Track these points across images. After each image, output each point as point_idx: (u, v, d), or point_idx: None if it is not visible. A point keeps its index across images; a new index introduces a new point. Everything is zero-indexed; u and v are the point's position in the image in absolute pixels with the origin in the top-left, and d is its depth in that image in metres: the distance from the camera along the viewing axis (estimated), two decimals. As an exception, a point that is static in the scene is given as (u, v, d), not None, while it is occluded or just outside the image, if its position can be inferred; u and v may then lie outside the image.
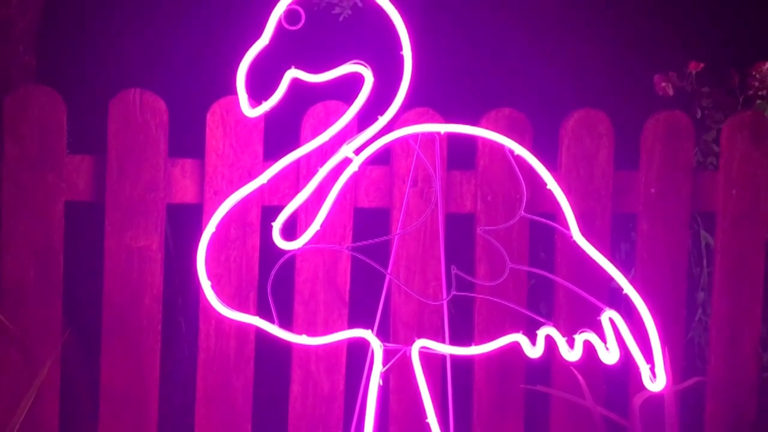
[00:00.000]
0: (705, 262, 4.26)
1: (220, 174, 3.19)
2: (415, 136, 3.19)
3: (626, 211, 3.44)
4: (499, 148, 3.20)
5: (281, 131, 3.23)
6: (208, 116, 3.19)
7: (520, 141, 3.20)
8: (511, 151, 3.17)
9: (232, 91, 3.01)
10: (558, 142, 3.34)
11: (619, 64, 5.18)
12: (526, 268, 3.29)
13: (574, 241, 3.16)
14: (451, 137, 3.25)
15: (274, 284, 3.10)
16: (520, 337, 3.12)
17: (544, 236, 3.38)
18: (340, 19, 4.66)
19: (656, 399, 3.17)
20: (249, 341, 3.24)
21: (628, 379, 3.29)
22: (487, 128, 3.22)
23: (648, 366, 3.07)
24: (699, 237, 4.49)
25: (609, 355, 3.07)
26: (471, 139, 3.25)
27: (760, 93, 4.53)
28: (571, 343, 3.10)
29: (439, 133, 3.19)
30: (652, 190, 3.40)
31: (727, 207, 3.44)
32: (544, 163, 3.19)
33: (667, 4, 5.56)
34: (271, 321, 3.11)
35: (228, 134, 3.19)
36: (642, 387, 3.12)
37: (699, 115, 4.56)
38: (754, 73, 4.56)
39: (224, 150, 3.19)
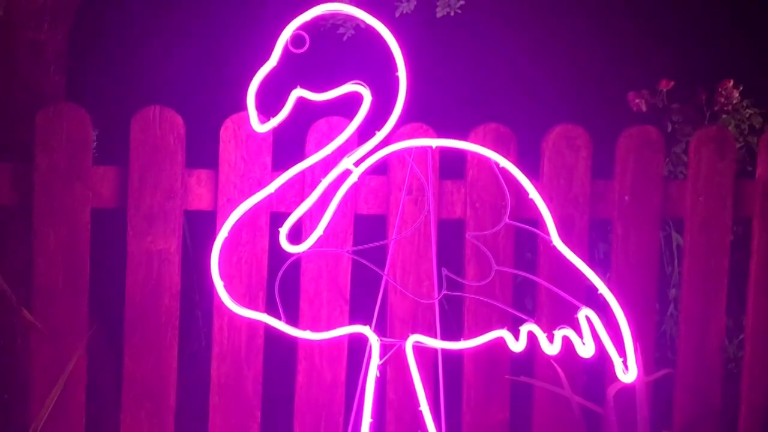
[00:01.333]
0: (676, 261, 4.27)
1: (233, 183, 3.20)
2: (409, 150, 3.20)
3: (602, 216, 3.42)
4: (487, 160, 3.20)
5: (288, 144, 3.22)
6: (222, 131, 3.19)
7: (506, 153, 3.20)
8: (497, 164, 3.17)
9: (244, 107, 3.01)
10: (540, 153, 3.34)
11: (597, 83, 5.16)
12: (511, 271, 3.28)
13: (553, 244, 3.18)
14: (443, 149, 3.23)
15: (281, 284, 3.10)
16: (504, 333, 3.12)
17: (530, 237, 3.38)
18: (344, 38, 4.66)
19: (629, 389, 3.17)
20: (258, 336, 3.24)
21: (605, 371, 3.29)
22: (475, 142, 3.22)
23: (621, 359, 3.07)
24: (671, 239, 4.50)
25: (585, 349, 3.07)
26: (461, 151, 3.25)
27: (725, 109, 4.53)
28: (551, 339, 3.09)
29: (431, 147, 3.20)
30: (626, 198, 3.38)
31: (695, 213, 3.43)
32: (528, 173, 3.19)
33: (640, 27, 5.55)
34: (279, 317, 3.12)
35: (239, 147, 3.19)
36: (616, 378, 3.12)
37: (669, 128, 4.56)
38: (720, 90, 4.56)
39: (236, 162, 3.19)
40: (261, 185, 3.17)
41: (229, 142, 3.19)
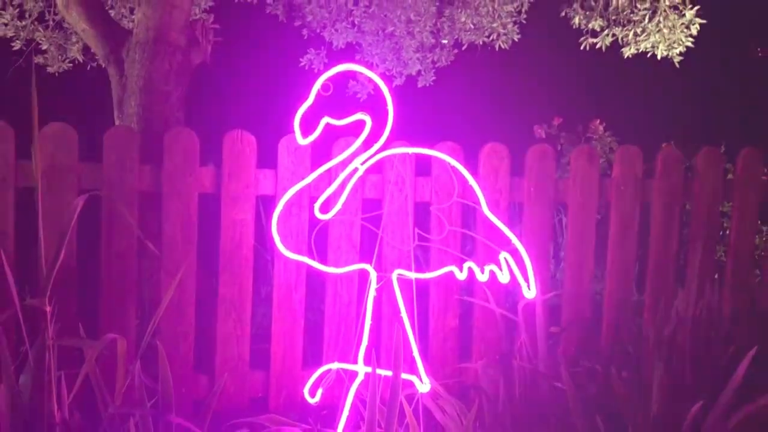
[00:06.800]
0: (565, 234, 4.33)
1: (286, 178, 3.24)
2: (395, 156, 3.29)
3: (518, 201, 3.48)
4: (445, 164, 3.30)
5: (320, 152, 3.28)
6: (279, 145, 3.24)
7: (457, 159, 3.30)
8: (449, 164, 3.26)
9: (292, 130, 3.04)
10: (477, 160, 3.44)
11: (515, 118, 5.27)
12: (459, 229, 3.36)
13: (485, 215, 3.26)
14: (419, 157, 3.31)
15: (316, 239, 3.20)
16: (454, 268, 3.21)
17: (475, 213, 3.43)
18: (361, 100, 4.76)
19: (533, 304, 3.23)
20: (302, 272, 3.29)
21: (517, 294, 3.32)
22: (437, 151, 3.30)
23: (526, 283, 3.16)
24: (563, 221, 4.57)
25: (503, 277, 3.15)
26: (429, 158, 3.32)
27: (594, 137, 4.67)
28: (482, 271, 3.19)
29: (408, 154, 3.29)
30: (532, 190, 3.46)
31: (574, 200, 3.51)
32: (470, 171, 3.28)
33: (544, 83, 5.68)
34: (314, 259, 3.21)
35: (290, 155, 3.24)
36: (524, 297, 3.19)
37: (559, 147, 4.70)
38: (591, 126, 4.70)
39: (288, 164, 3.24)
40: (302, 178, 3.23)
41: (283, 152, 3.24)
